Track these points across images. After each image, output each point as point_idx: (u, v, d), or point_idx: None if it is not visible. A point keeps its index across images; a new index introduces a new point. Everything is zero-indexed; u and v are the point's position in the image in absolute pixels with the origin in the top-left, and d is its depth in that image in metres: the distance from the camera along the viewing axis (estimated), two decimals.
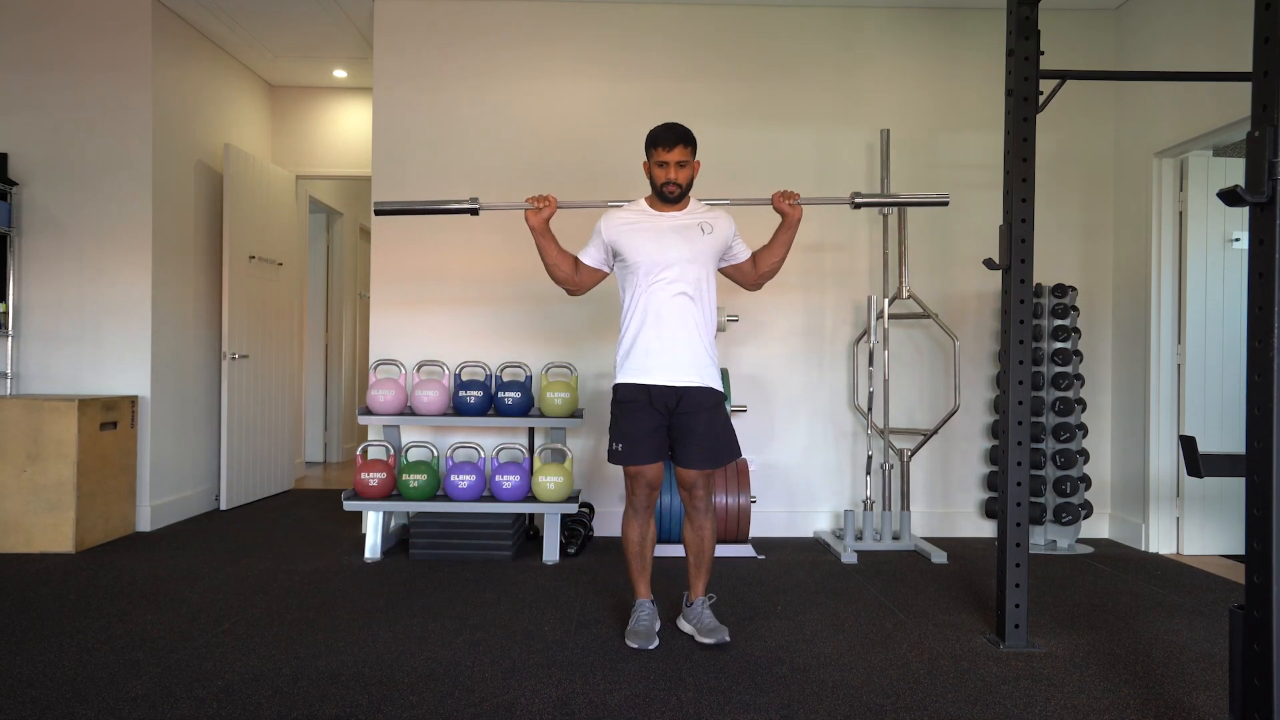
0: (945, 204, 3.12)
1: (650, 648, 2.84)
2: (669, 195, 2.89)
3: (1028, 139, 2.86)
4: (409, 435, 4.64)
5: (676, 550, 4.22)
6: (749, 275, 3.05)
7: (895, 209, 4.60)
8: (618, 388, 2.92)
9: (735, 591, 3.56)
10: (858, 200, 3.09)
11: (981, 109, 4.78)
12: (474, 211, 3.08)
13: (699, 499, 2.95)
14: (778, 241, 2.99)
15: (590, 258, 2.98)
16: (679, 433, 2.88)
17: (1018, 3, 2.84)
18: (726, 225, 2.96)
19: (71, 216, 4.64)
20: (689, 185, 2.92)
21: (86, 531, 4.21)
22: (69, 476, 4.13)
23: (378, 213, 3.17)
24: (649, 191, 2.99)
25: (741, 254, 3.02)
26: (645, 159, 2.94)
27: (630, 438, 2.87)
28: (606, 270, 3.01)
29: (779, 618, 3.22)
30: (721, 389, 2.93)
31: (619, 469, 4.78)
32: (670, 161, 2.86)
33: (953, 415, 4.59)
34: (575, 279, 3.00)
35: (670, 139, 2.86)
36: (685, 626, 3.01)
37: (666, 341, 2.83)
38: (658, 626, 2.96)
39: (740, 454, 2.98)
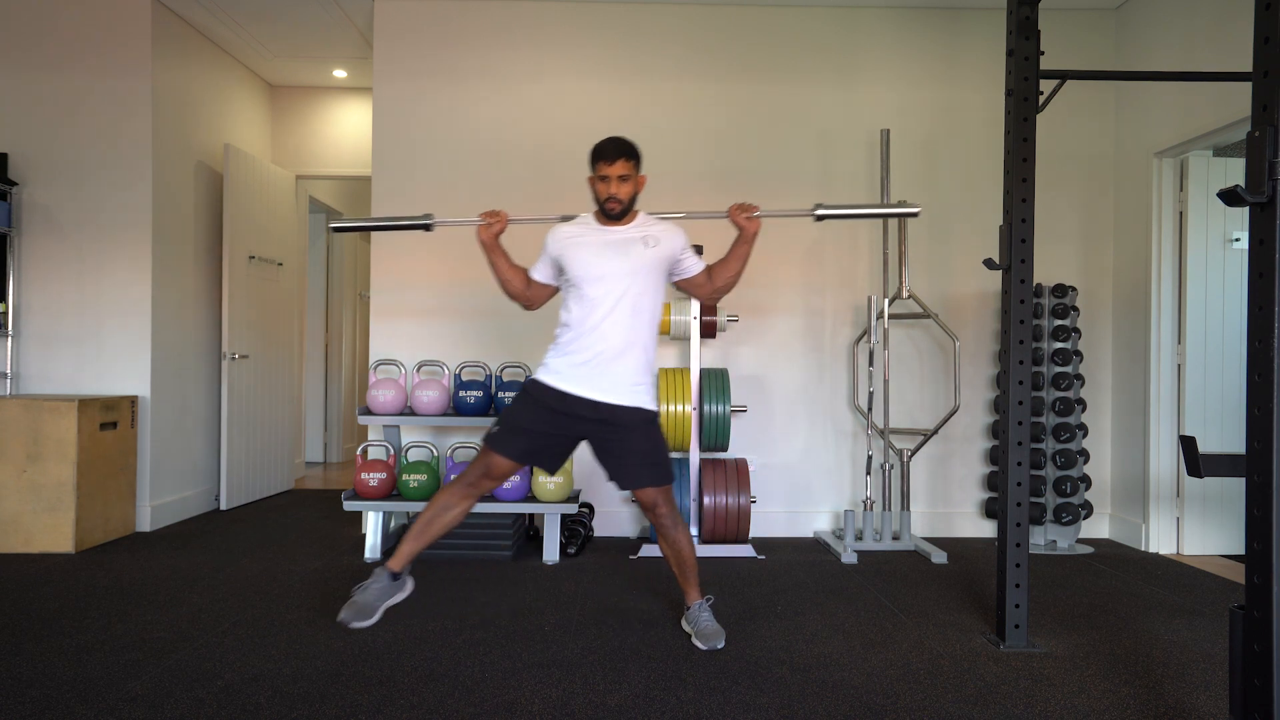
0: (915, 214, 3.03)
1: (358, 624, 2.66)
2: (610, 211, 2.82)
3: (1028, 139, 2.86)
4: (409, 435, 4.64)
5: None
6: (703, 289, 2.97)
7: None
8: (533, 383, 2.85)
9: (735, 591, 3.56)
10: (820, 212, 2.96)
11: (981, 109, 4.78)
12: (427, 227, 3.04)
13: (664, 515, 2.90)
14: (734, 255, 2.90)
15: (540, 273, 2.95)
16: (616, 453, 2.83)
17: (1018, 3, 2.84)
18: (674, 239, 2.88)
19: (71, 216, 4.64)
20: (632, 200, 2.85)
21: (86, 532, 4.21)
22: (69, 476, 4.13)
23: (334, 230, 3.15)
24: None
25: (693, 268, 2.94)
26: (590, 173, 2.86)
27: (513, 427, 2.82)
28: (556, 285, 2.95)
29: (779, 618, 3.22)
30: (653, 409, 2.85)
31: None
32: (612, 176, 2.79)
33: (953, 415, 4.59)
34: (527, 294, 2.97)
35: (612, 152, 2.80)
36: (687, 627, 3.01)
37: (596, 356, 2.76)
38: (390, 602, 2.77)
39: (674, 477, 2.91)
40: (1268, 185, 1.69)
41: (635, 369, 2.80)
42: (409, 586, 2.87)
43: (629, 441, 2.81)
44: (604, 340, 2.76)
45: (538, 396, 2.82)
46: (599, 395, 2.77)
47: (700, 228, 3.93)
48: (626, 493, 4.76)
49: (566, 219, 3.00)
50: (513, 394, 4.20)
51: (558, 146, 4.78)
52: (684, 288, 3.02)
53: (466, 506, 2.84)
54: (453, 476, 3.93)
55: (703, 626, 2.91)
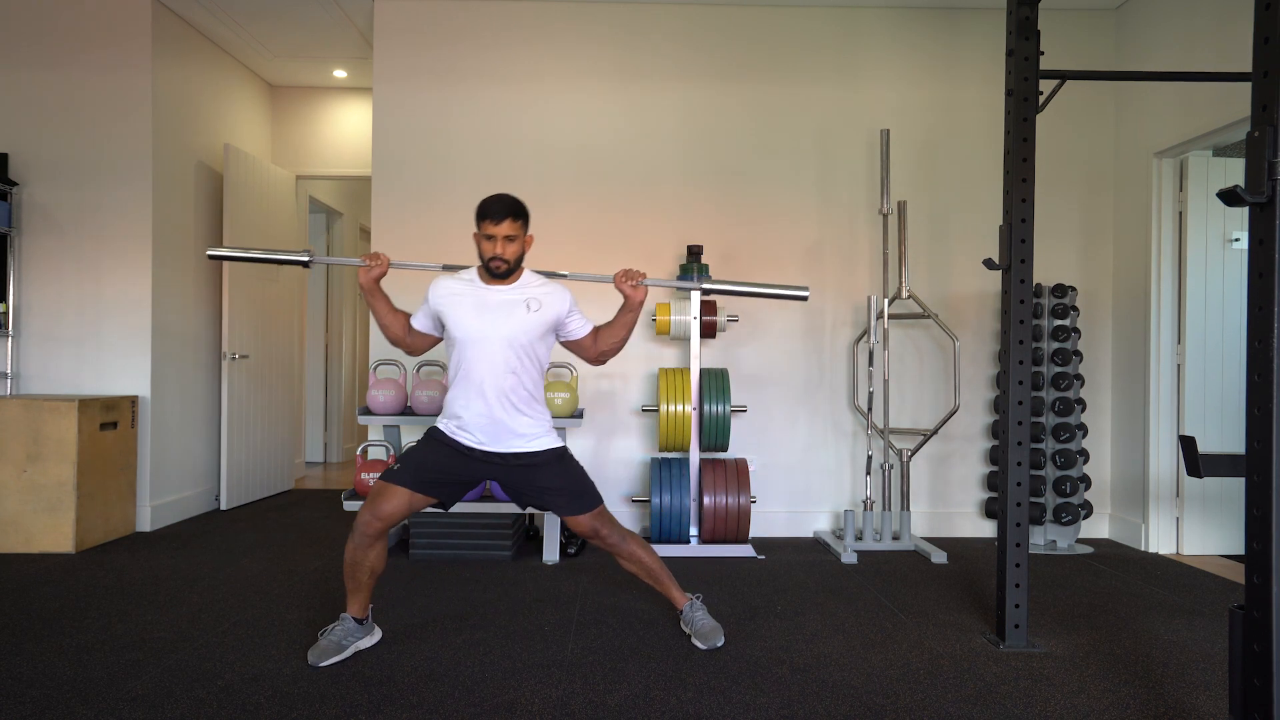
0: (804, 298, 2.99)
1: (321, 664, 2.64)
2: (495, 270, 2.76)
3: (1028, 139, 2.86)
4: (409, 435, 4.64)
5: (676, 550, 4.23)
6: (589, 351, 2.94)
7: (896, 206, 4.61)
8: (435, 430, 2.85)
9: (735, 591, 3.56)
10: (706, 286, 2.99)
11: (981, 109, 4.78)
12: (305, 264, 2.94)
13: (608, 537, 2.88)
14: (618, 323, 2.88)
15: (420, 323, 2.89)
16: (533, 491, 2.84)
17: (1018, 3, 2.84)
18: (558, 301, 2.83)
19: (71, 216, 4.64)
20: (518, 261, 2.78)
21: (86, 531, 4.21)
22: (69, 476, 4.13)
23: (211, 258, 3.02)
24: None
25: (578, 330, 2.90)
26: (475, 230, 2.78)
27: (411, 463, 2.77)
28: (438, 335, 2.90)
29: (779, 618, 3.22)
30: (559, 445, 2.86)
31: (618, 468, 4.79)
32: (498, 235, 2.70)
33: (953, 415, 4.59)
34: (407, 340, 2.89)
35: (499, 212, 2.70)
36: (686, 629, 3.00)
37: (482, 417, 2.75)
38: (360, 645, 2.78)
39: (601, 499, 2.90)
40: (1267, 185, 1.69)
41: (525, 421, 2.79)
42: (377, 633, 2.88)
43: (540, 479, 2.82)
44: (487, 401, 2.74)
45: (439, 440, 2.82)
46: (500, 448, 2.79)
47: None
48: (624, 493, 4.77)
49: (451, 269, 2.93)
50: None
51: (557, 146, 4.79)
52: (569, 349, 2.99)
53: (374, 552, 2.73)
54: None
55: (699, 625, 2.91)
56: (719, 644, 2.85)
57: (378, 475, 4.05)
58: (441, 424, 2.85)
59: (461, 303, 2.79)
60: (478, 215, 2.75)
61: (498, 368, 2.74)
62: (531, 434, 2.81)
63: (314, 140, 6.23)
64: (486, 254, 2.75)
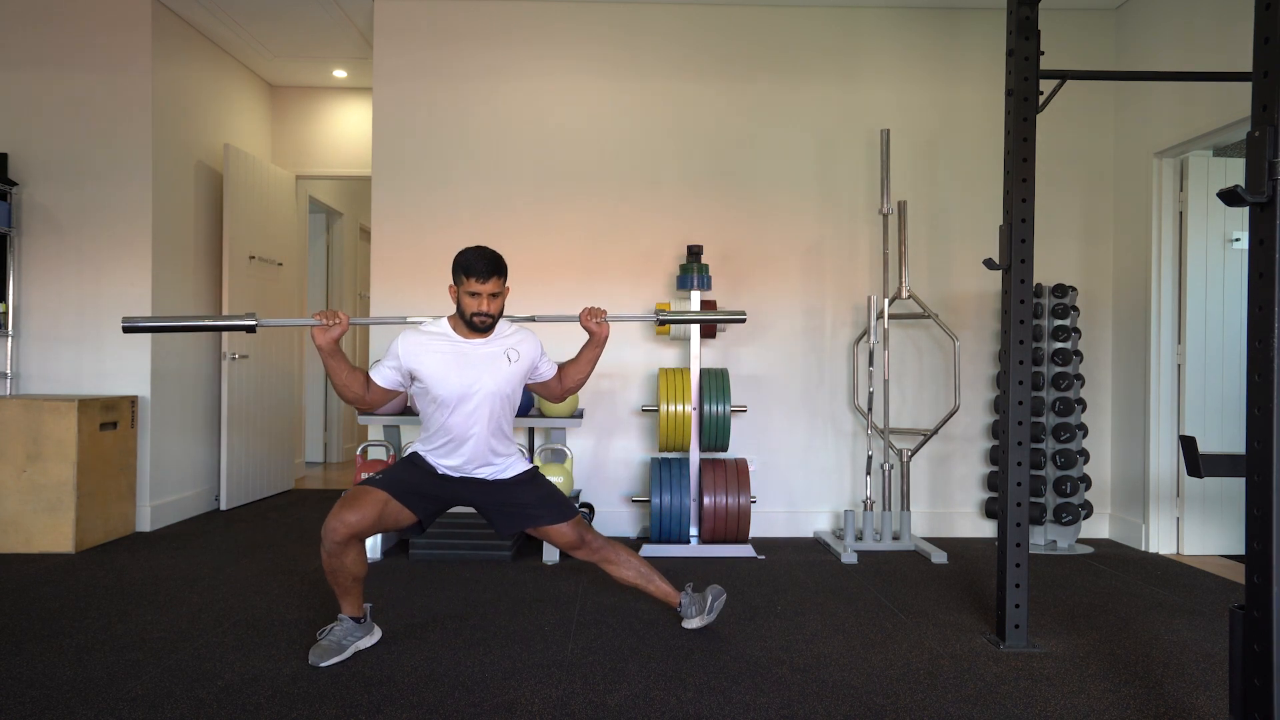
0: (742, 321, 3.12)
1: (322, 665, 2.65)
2: (479, 326, 2.73)
3: (1028, 139, 2.86)
4: (409, 435, 4.64)
5: (675, 550, 4.22)
6: (554, 390, 3.01)
7: (897, 206, 4.61)
8: (416, 454, 2.86)
9: (735, 591, 3.55)
10: (662, 317, 3.05)
11: (981, 109, 4.78)
12: (251, 329, 2.78)
13: (592, 543, 2.91)
14: (583, 359, 2.95)
15: (384, 379, 2.76)
16: (514, 507, 2.86)
17: (1018, 3, 2.84)
18: (531, 348, 2.89)
19: (71, 216, 4.64)
20: (499, 315, 2.78)
21: (86, 531, 4.21)
22: (69, 476, 4.13)
23: (126, 330, 2.74)
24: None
25: (547, 373, 2.97)
26: (452, 283, 2.74)
27: (394, 477, 2.78)
28: (401, 391, 2.83)
29: (779, 618, 3.22)
30: (529, 468, 2.93)
31: (618, 468, 4.79)
32: (484, 293, 2.69)
33: (953, 415, 4.59)
34: (366, 398, 2.76)
35: (484, 270, 2.67)
36: (692, 623, 3.02)
37: (461, 461, 2.80)
38: (359, 645, 2.78)
39: (575, 511, 2.92)
40: (1268, 185, 1.69)
41: (504, 454, 2.87)
42: (376, 632, 2.89)
43: (518, 496, 2.87)
44: (471, 448, 2.79)
45: (422, 466, 2.85)
46: (480, 475, 2.85)
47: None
48: (624, 493, 4.77)
49: (414, 324, 2.87)
50: None
51: (557, 146, 4.79)
52: (536, 390, 3.04)
53: (348, 556, 2.69)
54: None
55: (701, 602, 2.99)
56: (722, 595, 2.99)
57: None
58: (420, 449, 2.87)
59: (440, 359, 2.74)
60: (460, 270, 2.69)
61: (484, 420, 2.77)
62: (506, 464, 2.89)
63: (314, 140, 6.23)
64: (469, 309, 2.71)
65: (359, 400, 2.77)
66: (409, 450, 2.91)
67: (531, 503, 2.87)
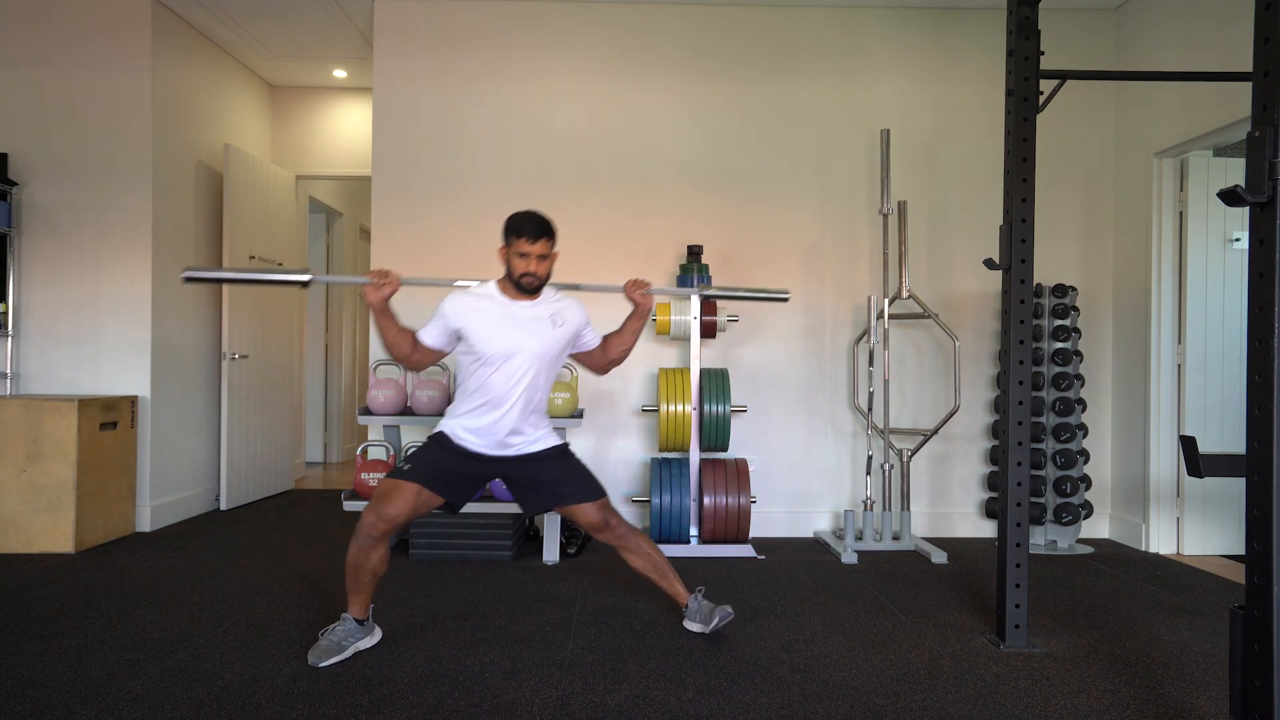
0: (785, 299, 3.21)
1: (321, 665, 2.65)
2: (527, 287, 2.80)
3: (1028, 139, 2.86)
4: (409, 435, 4.64)
5: (675, 550, 4.22)
6: (598, 361, 3.06)
7: (897, 206, 4.61)
8: (441, 435, 2.85)
9: (735, 591, 3.56)
10: (704, 293, 3.14)
11: (981, 109, 4.78)
12: (304, 284, 2.85)
13: (616, 528, 2.92)
14: (627, 330, 3.00)
15: (431, 338, 2.82)
16: (540, 484, 2.88)
17: (1018, 3, 2.84)
18: (577, 315, 2.93)
19: (71, 216, 4.64)
20: (547, 277, 2.84)
21: (86, 531, 4.21)
22: (69, 476, 4.13)
23: (186, 280, 2.84)
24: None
25: (591, 342, 3.01)
26: (503, 244, 2.81)
27: (423, 464, 2.78)
28: (447, 351, 2.88)
29: (779, 618, 3.22)
30: (562, 443, 2.95)
31: (618, 468, 4.78)
32: (532, 254, 2.75)
33: (953, 415, 4.59)
34: (412, 358, 2.84)
35: (534, 231, 2.75)
36: (692, 626, 3.01)
37: (498, 427, 2.80)
38: (360, 646, 2.78)
39: (603, 492, 2.94)
40: (1268, 185, 1.69)
41: (536, 426, 2.89)
42: (377, 634, 2.88)
43: (547, 473, 2.88)
44: (508, 413, 2.80)
45: (448, 446, 2.84)
46: (509, 452, 2.85)
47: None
48: (624, 493, 4.77)
49: (462, 285, 2.93)
50: None
51: (557, 146, 4.79)
52: (579, 359, 3.07)
53: (377, 553, 2.74)
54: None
55: (706, 611, 2.96)
56: (730, 613, 2.92)
57: (378, 475, 4.06)
58: (447, 429, 2.86)
59: (487, 318, 2.79)
60: (510, 231, 2.77)
61: (525, 382, 2.80)
62: (537, 436, 2.90)
63: (314, 140, 6.23)
64: (518, 270, 2.78)
65: (406, 359, 2.84)
66: (436, 430, 2.90)
67: (559, 480, 2.87)
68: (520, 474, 2.88)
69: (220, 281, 2.83)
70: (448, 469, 2.81)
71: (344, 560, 2.80)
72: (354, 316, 7.88)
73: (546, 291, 2.91)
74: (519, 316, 2.81)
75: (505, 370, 2.78)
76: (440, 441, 2.85)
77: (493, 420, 2.80)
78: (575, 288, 3.08)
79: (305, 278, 2.83)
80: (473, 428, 2.81)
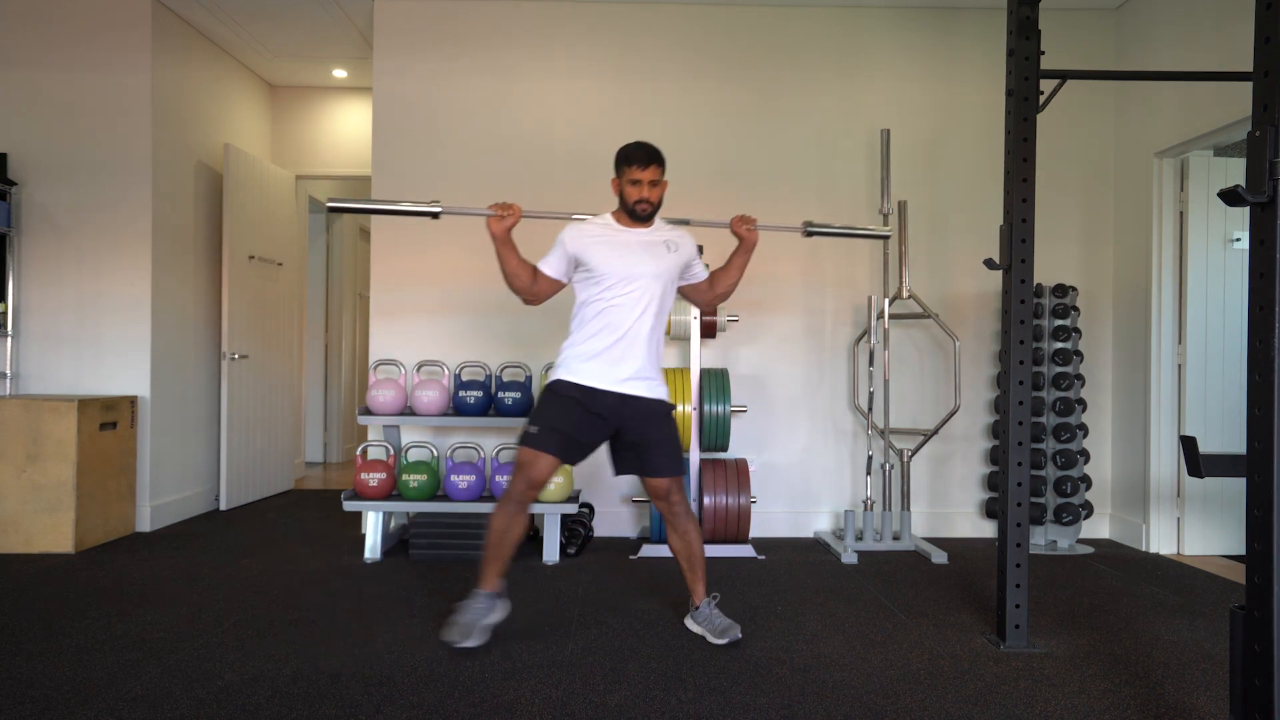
0: (887, 238, 3.22)
1: (465, 644, 2.74)
2: (641, 213, 2.89)
3: (1028, 139, 2.86)
4: (409, 435, 4.64)
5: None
6: (705, 295, 3.13)
7: (896, 206, 4.61)
8: (557, 383, 2.90)
9: (735, 591, 3.56)
10: (810, 229, 3.17)
11: (981, 109, 4.78)
12: (435, 215, 3.00)
13: (676, 504, 2.96)
14: (733, 264, 3.05)
15: (551, 268, 2.94)
16: (640, 444, 2.90)
17: (1018, 3, 2.84)
18: (689, 245, 3.01)
19: (71, 216, 4.64)
20: (659, 204, 2.92)
21: (86, 531, 4.21)
22: (69, 476, 4.13)
23: (330, 210, 3.09)
24: (615, 205, 2.98)
25: (700, 274, 3.08)
26: (614, 176, 2.93)
27: (549, 424, 2.85)
28: (565, 281, 2.98)
29: (779, 618, 3.22)
30: (670, 401, 2.99)
31: None
32: (644, 180, 2.86)
33: (953, 415, 4.59)
34: (533, 289, 2.95)
35: (644, 158, 2.86)
36: (695, 628, 3.01)
37: (620, 354, 2.85)
38: (489, 621, 2.85)
39: (684, 470, 2.97)
40: (1268, 185, 1.69)
41: (655, 364, 2.93)
42: (506, 606, 2.96)
43: (650, 433, 2.90)
44: (628, 339, 2.85)
45: (565, 394, 2.87)
46: (625, 389, 2.86)
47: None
48: (624, 494, 4.77)
49: (579, 218, 3.03)
50: (513, 394, 4.22)
51: (557, 146, 4.78)
52: (686, 293, 3.13)
53: (523, 519, 2.89)
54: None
55: (717, 623, 2.93)
56: (738, 635, 2.89)
57: (379, 475, 4.06)
58: (562, 368, 2.91)
59: (606, 243, 2.89)
60: (621, 161, 2.89)
61: (642, 305, 2.86)
62: (656, 379, 2.93)
63: (314, 140, 6.23)
64: (631, 197, 2.88)
65: (526, 290, 2.94)
66: (550, 378, 2.94)
67: (659, 441, 2.90)
68: (630, 430, 2.89)
69: (360, 211, 3.11)
70: (573, 428, 2.85)
71: (488, 534, 2.87)
72: (354, 316, 7.89)
73: (660, 223, 3.00)
74: (634, 243, 2.90)
75: (625, 294, 2.84)
76: (556, 391, 2.89)
77: (611, 343, 2.84)
78: (684, 223, 3.13)
79: (436, 209, 2.99)
80: (591, 353, 2.85)
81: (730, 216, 3.03)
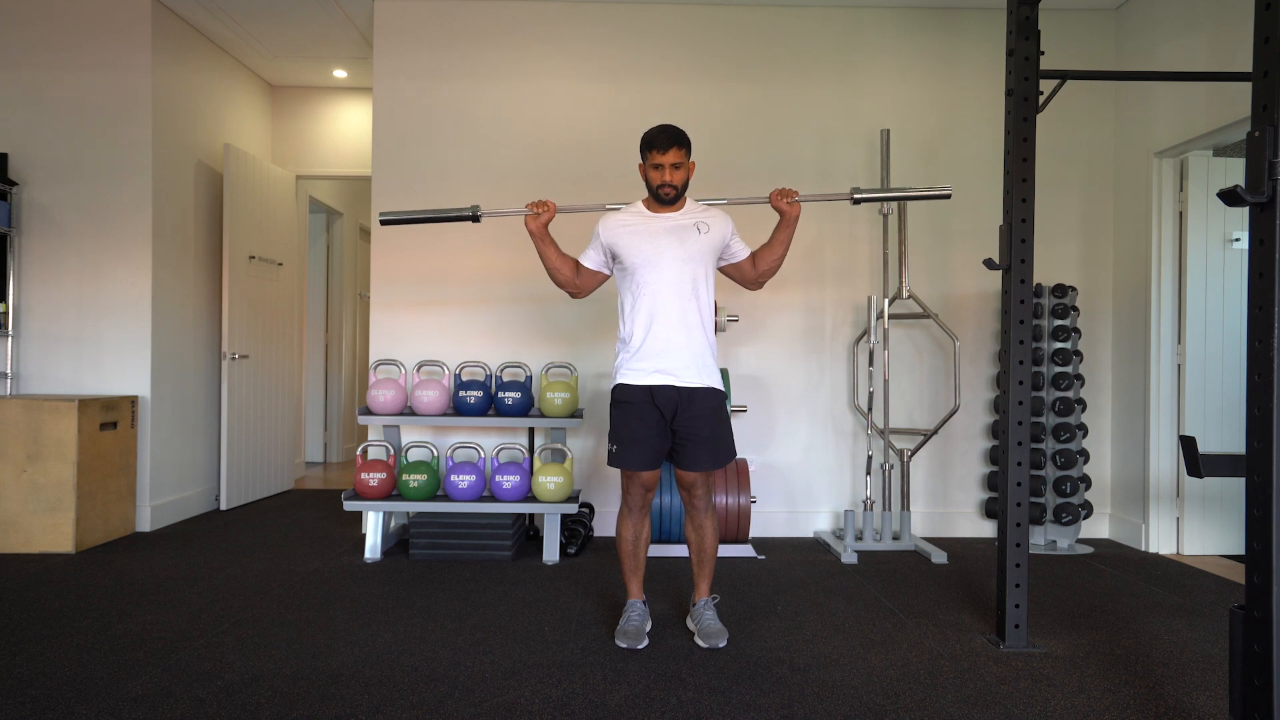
0: (948, 197, 3.10)
1: (639, 648, 2.85)
2: (664, 197, 2.90)
3: (1028, 139, 2.86)
4: (409, 435, 4.64)
5: (676, 550, 4.23)
6: (748, 274, 3.07)
7: (896, 206, 4.60)
8: (619, 388, 2.93)
9: (735, 591, 3.56)
10: (857, 195, 3.05)
11: (981, 109, 4.78)
12: (475, 219, 3.12)
13: (699, 497, 2.98)
14: (776, 240, 3.01)
15: (590, 260, 3.00)
16: (683, 437, 2.90)
17: (1018, 3, 2.84)
18: (723, 224, 2.97)
19: (71, 216, 4.64)
20: (684, 186, 2.92)
21: (86, 531, 4.21)
22: (69, 476, 4.13)
23: (383, 223, 3.21)
24: (646, 193, 2.99)
25: (740, 253, 3.04)
26: (640, 161, 2.95)
27: (628, 441, 2.89)
28: (607, 273, 3.03)
29: (779, 618, 3.22)
30: (722, 388, 2.97)
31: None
32: (665, 164, 2.87)
33: (953, 415, 4.59)
34: (576, 282, 3.03)
35: (665, 141, 2.86)
36: (690, 624, 3.01)
37: (668, 343, 2.85)
38: (648, 627, 2.98)
39: (736, 454, 2.99)
40: (1268, 185, 1.69)
41: (702, 349, 2.89)
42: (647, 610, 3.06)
43: (698, 429, 2.89)
44: (668, 327, 2.86)
45: (631, 400, 2.90)
46: (677, 381, 2.87)
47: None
48: None
49: (613, 208, 3.05)
50: (513, 394, 4.22)
51: (558, 146, 4.78)
52: (730, 273, 3.11)
53: (647, 524, 3.01)
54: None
55: (706, 624, 2.92)
56: (720, 645, 2.86)
57: (379, 475, 4.06)
58: (619, 377, 2.93)
59: (634, 231, 2.91)
60: (644, 146, 2.91)
61: (675, 289, 2.86)
62: (710, 366, 2.91)
63: (314, 140, 6.23)
64: (655, 182, 2.89)
65: (569, 283, 3.02)
66: (612, 383, 2.97)
67: (705, 437, 2.88)
68: (680, 421, 2.88)
69: (407, 222, 3.20)
70: (647, 436, 2.86)
71: (619, 547, 3.00)
72: (354, 316, 7.89)
73: (693, 205, 2.99)
74: (662, 227, 2.91)
75: (655, 281, 2.85)
76: (618, 400, 2.93)
77: (652, 334, 2.85)
78: (724, 201, 3.13)
79: (474, 213, 3.10)
80: (637, 348, 2.87)
81: (759, 200, 3.05)
